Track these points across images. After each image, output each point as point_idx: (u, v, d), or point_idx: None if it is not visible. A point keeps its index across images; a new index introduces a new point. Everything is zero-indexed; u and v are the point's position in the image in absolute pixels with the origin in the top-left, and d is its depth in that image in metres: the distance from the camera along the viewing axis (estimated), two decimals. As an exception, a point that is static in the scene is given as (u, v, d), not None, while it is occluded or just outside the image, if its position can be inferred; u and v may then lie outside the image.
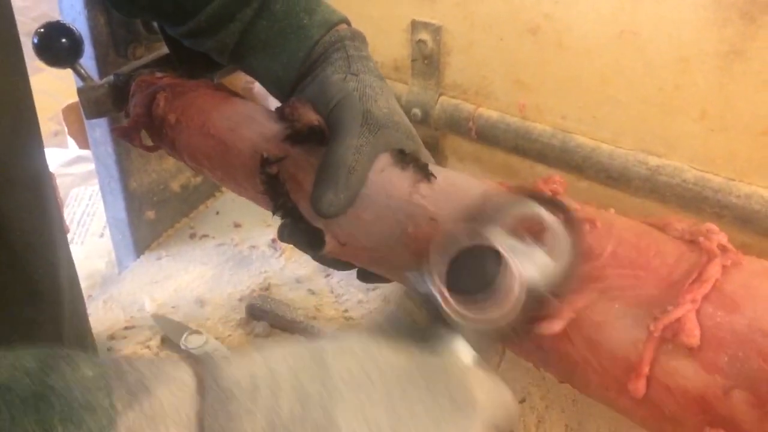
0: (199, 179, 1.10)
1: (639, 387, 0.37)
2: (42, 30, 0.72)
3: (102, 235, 1.16)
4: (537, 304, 0.39)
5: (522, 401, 0.78)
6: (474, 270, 0.37)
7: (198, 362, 0.31)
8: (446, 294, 0.36)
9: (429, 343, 0.37)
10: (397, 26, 0.75)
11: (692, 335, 0.36)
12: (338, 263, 0.55)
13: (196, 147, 0.62)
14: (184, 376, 0.30)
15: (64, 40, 0.73)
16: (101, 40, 0.87)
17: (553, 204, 0.40)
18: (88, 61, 0.86)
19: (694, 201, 0.63)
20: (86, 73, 0.75)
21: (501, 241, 0.38)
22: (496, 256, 0.37)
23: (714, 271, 0.38)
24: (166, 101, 0.65)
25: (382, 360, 0.34)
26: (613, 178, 0.67)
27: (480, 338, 0.38)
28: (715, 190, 0.62)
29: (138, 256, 1.04)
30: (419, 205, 0.47)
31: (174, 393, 0.29)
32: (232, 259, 1.03)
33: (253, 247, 1.05)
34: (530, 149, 0.71)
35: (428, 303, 0.38)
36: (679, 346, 0.37)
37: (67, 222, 1.18)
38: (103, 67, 0.87)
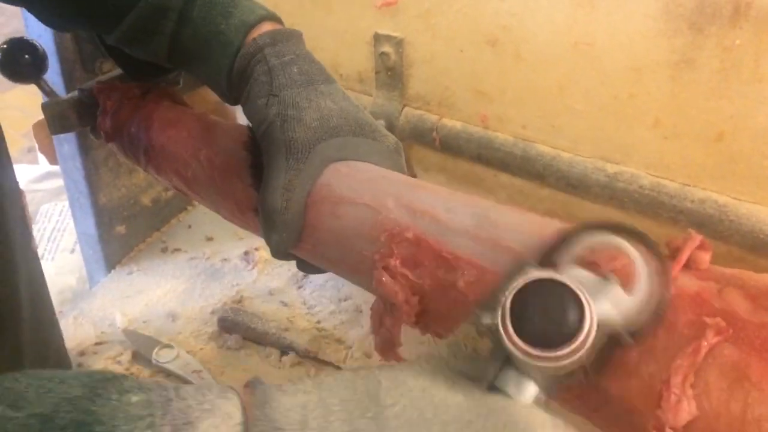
0: (170, 193, 1.10)
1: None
2: (5, 46, 0.72)
3: (73, 251, 1.15)
4: (612, 344, 0.35)
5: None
6: (543, 306, 0.33)
7: (248, 391, 0.31)
8: (511, 330, 0.33)
9: (489, 377, 0.34)
10: (361, 39, 0.76)
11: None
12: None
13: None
14: (230, 408, 0.29)
15: (27, 56, 0.73)
16: (68, 55, 0.87)
17: (632, 234, 0.36)
18: (54, 76, 0.86)
19: (651, 206, 0.64)
20: (50, 88, 0.75)
21: (573, 274, 0.35)
22: (567, 291, 0.33)
23: None
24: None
25: (438, 398, 0.32)
26: (573, 185, 0.68)
27: (546, 378, 0.34)
28: (670, 196, 0.63)
29: (109, 272, 1.04)
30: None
31: (218, 426, 0.28)
32: (204, 273, 1.03)
33: (226, 260, 1.05)
34: (493, 158, 0.72)
35: (492, 334, 0.35)
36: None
37: (38, 238, 1.18)
38: (69, 82, 0.87)
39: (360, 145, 0.51)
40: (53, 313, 0.71)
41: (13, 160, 0.66)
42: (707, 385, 0.34)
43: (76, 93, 0.76)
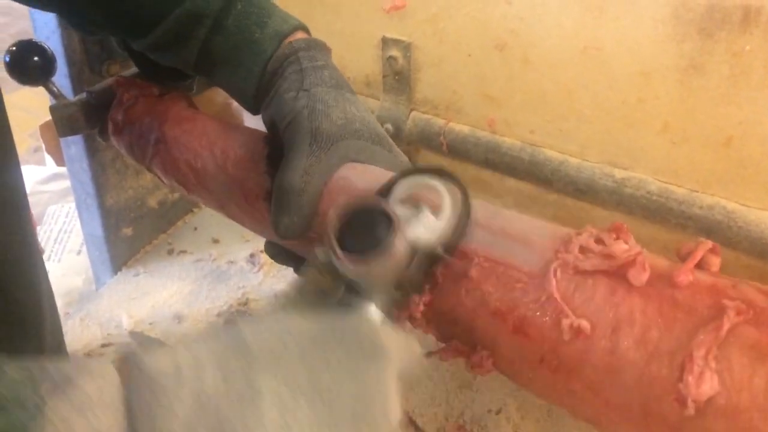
0: (176, 195, 1.10)
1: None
2: (14, 48, 0.72)
3: (79, 252, 1.15)
4: (429, 260, 0.43)
5: (498, 412, 0.79)
6: (366, 231, 0.40)
7: (122, 355, 0.32)
8: (338, 251, 0.39)
9: (338, 309, 0.40)
10: (368, 43, 0.76)
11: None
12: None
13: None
14: (107, 369, 0.31)
15: (36, 58, 0.73)
16: (75, 57, 0.87)
17: (441, 174, 0.44)
18: (62, 79, 0.86)
19: (659, 212, 0.64)
20: (59, 91, 0.75)
21: (390, 206, 0.41)
22: (387, 219, 0.40)
23: None
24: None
25: (295, 328, 0.35)
26: (581, 190, 0.68)
27: (382, 297, 0.41)
28: (678, 202, 0.63)
29: (115, 273, 1.04)
30: None
31: (98, 383, 0.30)
32: (210, 275, 1.03)
33: (232, 262, 1.05)
34: (500, 163, 0.72)
35: (330, 269, 0.41)
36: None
37: (44, 239, 1.18)
38: (77, 84, 0.87)
39: (377, 153, 0.53)
40: (58, 314, 0.72)
41: (20, 160, 0.66)
42: (729, 362, 0.34)
43: (83, 95, 0.76)
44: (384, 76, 0.76)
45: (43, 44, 0.73)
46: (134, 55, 0.67)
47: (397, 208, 0.42)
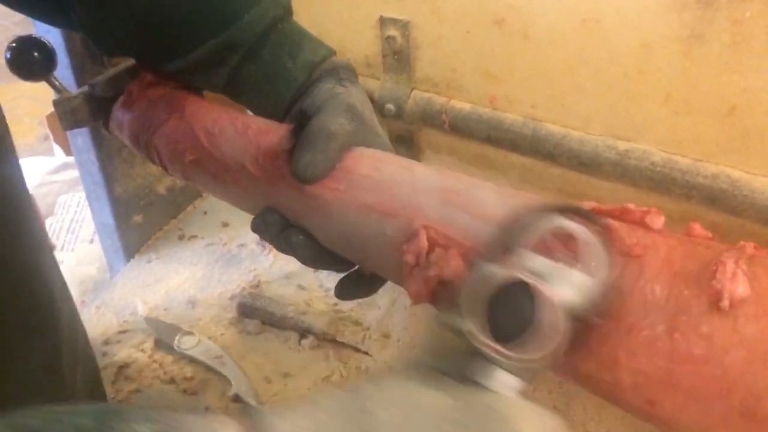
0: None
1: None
2: (14, 44, 0.72)
3: (92, 241, 1.17)
4: (580, 328, 0.36)
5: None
6: (509, 304, 0.35)
7: (247, 417, 0.31)
8: (486, 340, 0.34)
9: (470, 372, 0.35)
10: (366, 23, 0.76)
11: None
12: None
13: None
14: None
15: (36, 53, 0.73)
16: (76, 49, 0.87)
17: (580, 214, 0.37)
18: (64, 71, 0.87)
19: (663, 183, 0.64)
20: (61, 84, 0.76)
21: (529, 263, 0.36)
22: (530, 288, 0.35)
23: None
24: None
25: (425, 403, 0.33)
26: (585, 164, 0.68)
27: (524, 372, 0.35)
28: (683, 172, 0.63)
29: (128, 260, 1.05)
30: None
31: None
32: (221, 259, 1.04)
33: (242, 245, 1.06)
34: (503, 139, 0.72)
35: (463, 336, 0.35)
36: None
37: (57, 229, 1.19)
38: (80, 76, 0.88)
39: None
40: (75, 307, 0.73)
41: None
42: (755, 273, 0.35)
43: (86, 88, 0.76)
44: (383, 56, 0.76)
45: (42, 39, 0.74)
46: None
47: (533, 258, 0.36)
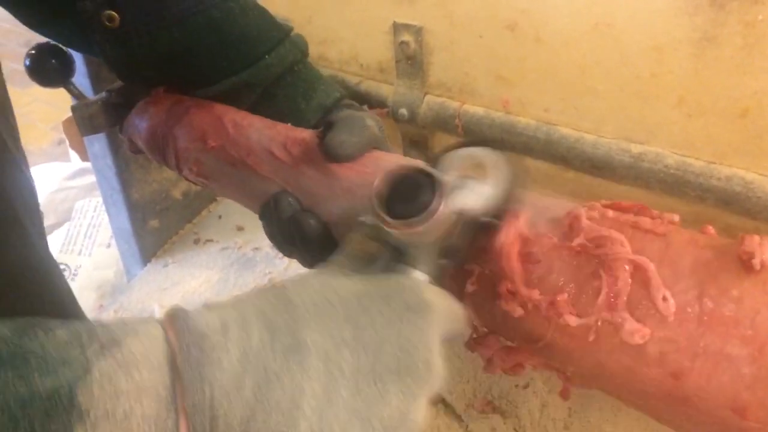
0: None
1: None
2: (33, 52, 0.74)
3: (109, 246, 1.18)
4: (475, 226, 0.43)
5: (525, 387, 0.80)
6: (412, 197, 0.41)
7: (170, 317, 0.33)
8: (384, 215, 0.40)
9: (381, 269, 0.41)
10: (379, 29, 0.77)
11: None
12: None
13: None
14: (152, 328, 0.32)
15: (54, 60, 0.74)
16: (93, 57, 0.88)
17: (489, 144, 0.44)
18: (81, 78, 0.88)
19: (677, 186, 0.64)
20: (79, 91, 0.77)
21: (436, 170, 0.42)
22: (426, 176, 0.41)
23: None
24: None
25: (340, 287, 0.37)
26: (598, 167, 0.68)
27: (429, 263, 0.41)
28: (696, 174, 0.63)
29: (145, 265, 1.06)
30: None
31: (143, 342, 0.31)
32: (236, 262, 1.05)
33: (257, 248, 1.07)
34: (516, 143, 0.72)
35: (376, 234, 0.42)
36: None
37: (74, 234, 1.21)
38: (96, 83, 0.89)
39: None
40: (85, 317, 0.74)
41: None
42: None
43: (104, 94, 0.77)
44: (397, 62, 0.77)
45: (61, 46, 0.75)
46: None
47: (445, 176, 0.43)
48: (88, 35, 0.59)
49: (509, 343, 0.50)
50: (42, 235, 0.65)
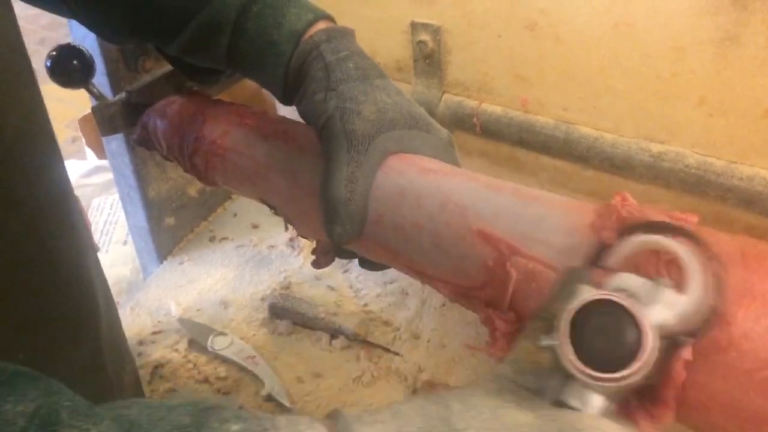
0: (215, 183, 1.12)
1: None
2: (54, 53, 0.75)
3: (125, 243, 1.19)
4: (672, 349, 0.35)
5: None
6: (601, 326, 0.34)
7: (333, 422, 0.32)
8: (570, 354, 0.33)
9: (554, 391, 0.35)
10: (397, 28, 0.77)
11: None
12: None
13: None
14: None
15: (75, 61, 0.75)
16: (111, 56, 0.89)
17: (677, 231, 0.36)
18: (100, 77, 0.89)
19: (698, 185, 0.64)
20: (99, 91, 0.78)
21: (624, 282, 0.35)
22: (623, 310, 0.33)
23: None
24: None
25: (507, 418, 0.33)
26: (617, 166, 0.68)
27: (611, 394, 0.35)
28: (717, 174, 0.63)
29: (161, 262, 1.07)
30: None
31: None
32: (252, 260, 1.05)
33: (272, 246, 1.07)
34: (535, 142, 0.72)
35: (551, 353, 0.35)
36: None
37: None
38: (115, 82, 0.90)
39: (415, 137, 0.52)
40: (116, 308, 0.74)
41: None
42: None
43: (123, 95, 0.78)
44: (415, 61, 0.77)
45: (81, 47, 0.76)
46: (168, 55, 0.68)
47: (626, 277, 0.36)
48: None
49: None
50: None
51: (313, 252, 0.63)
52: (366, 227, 0.51)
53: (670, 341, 0.35)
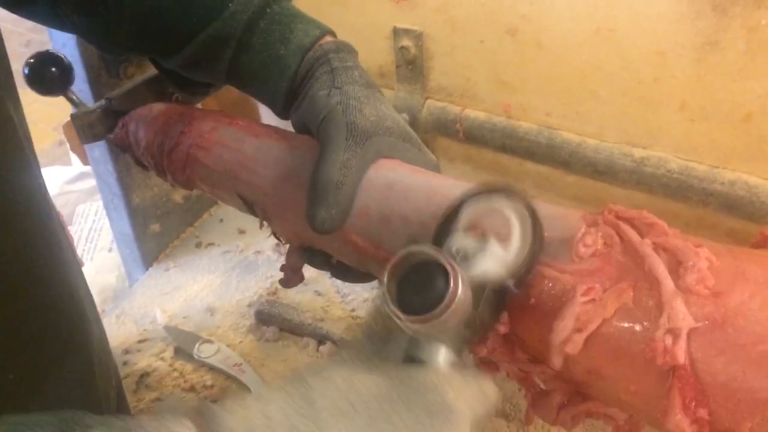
0: (200, 189, 1.12)
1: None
2: (32, 61, 0.74)
3: (110, 250, 1.18)
4: (499, 295, 0.41)
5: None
6: (419, 279, 0.38)
7: (199, 414, 0.34)
8: (399, 313, 0.37)
9: (403, 349, 0.39)
10: (380, 34, 0.76)
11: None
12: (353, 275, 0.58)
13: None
14: (184, 430, 0.33)
15: (53, 69, 0.74)
16: (92, 62, 0.88)
17: (507, 193, 0.41)
18: (81, 84, 0.88)
19: (680, 190, 0.64)
20: (78, 99, 0.77)
21: (455, 243, 0.40)
22: (436, 262, 0.38)
23: None
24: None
25: (362, 387, 0.36)
26: (600, 171, 0.68)
27: (452, 341, 0.39)
28: (699, 179, 0.63)
29: (147, 269, 1.06)
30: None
31: None
32: (238, 266, 1.05)
33: (259, 252, 1.07)
34: (518, 147, 0.72)
35: (393, 322, 0.39)
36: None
37: (76, 239, 1.21)
38: (96, 88, 0.89)
39: (408, 150, 0.54)
40: (101, 321, 0.74)
41: (44, 154, 0.67)
42: None
43: (103, 102, 0.77)
44: (397, 66, 0.76)
45: (60, 55, 0.75)
46: (161, 67, 0.68)
47: (462, 239, 0.41)
48: (57, 8, 0.58)
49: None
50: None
51: (282, 269, 0.63)
52: (349, 219, 0.51)
53: (502, 290, 0.40)
